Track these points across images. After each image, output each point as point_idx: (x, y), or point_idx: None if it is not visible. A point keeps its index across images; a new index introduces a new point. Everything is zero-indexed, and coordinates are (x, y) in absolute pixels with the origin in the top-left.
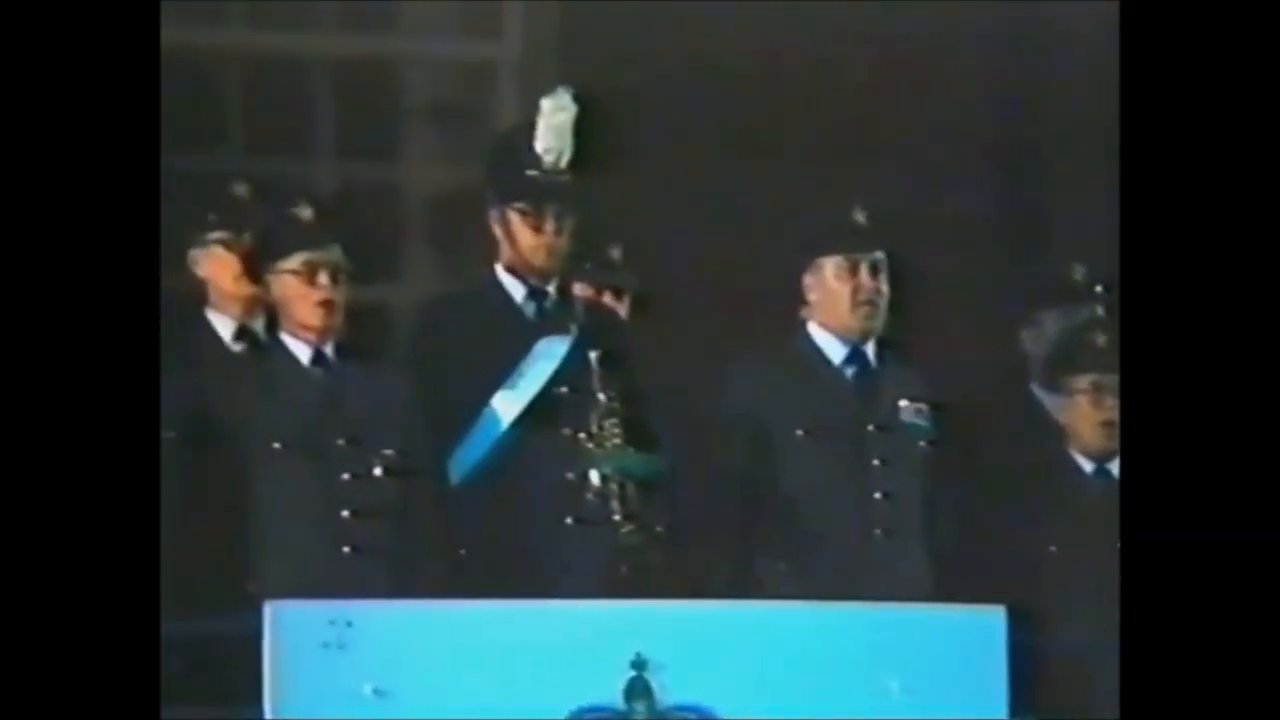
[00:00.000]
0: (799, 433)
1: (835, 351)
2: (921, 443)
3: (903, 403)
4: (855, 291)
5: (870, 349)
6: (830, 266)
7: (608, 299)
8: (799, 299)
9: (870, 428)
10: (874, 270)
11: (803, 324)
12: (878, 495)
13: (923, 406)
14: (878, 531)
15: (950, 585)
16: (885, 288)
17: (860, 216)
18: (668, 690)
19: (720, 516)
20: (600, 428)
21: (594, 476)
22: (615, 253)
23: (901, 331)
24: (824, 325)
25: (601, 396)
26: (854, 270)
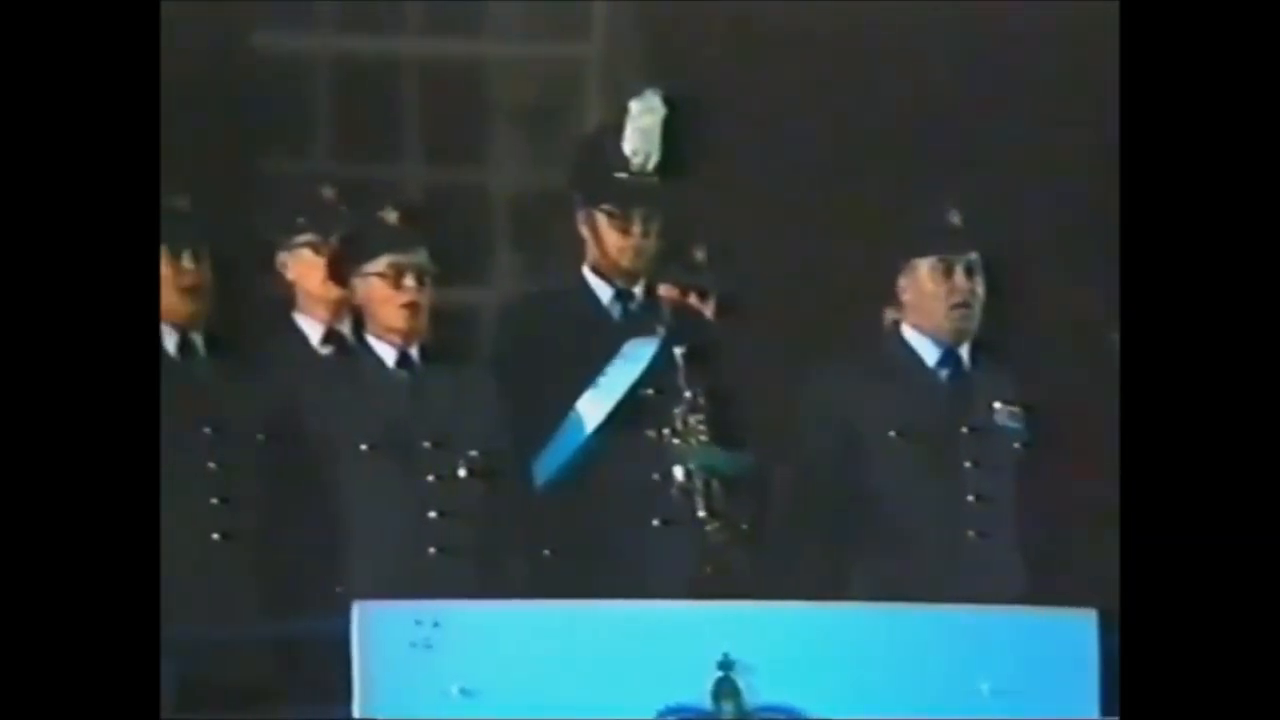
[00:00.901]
0: (891, 434)
1: (929, 353)
2: (1015, 445)
3: (996, 405)
4: (950, 293)
5: (964, 351)
6: (925, 268)
7: (693, 300)
8: (892, 300)
9: (963, 430)
10: (969, 272)
11: (896, 326)
12: (970, 498)
13: (1016, 409)
14: (970, 533)
15: (1042, 588)
16: (980, 289)
17: (955, 218)
18: (756, 691)
19: (808, 516)
20: (685, 424)
21: (679, 473)
22: (699, 254)
23: (996, 333)
24: (917, 327)
25: (687, 393)
26: (949, 272)
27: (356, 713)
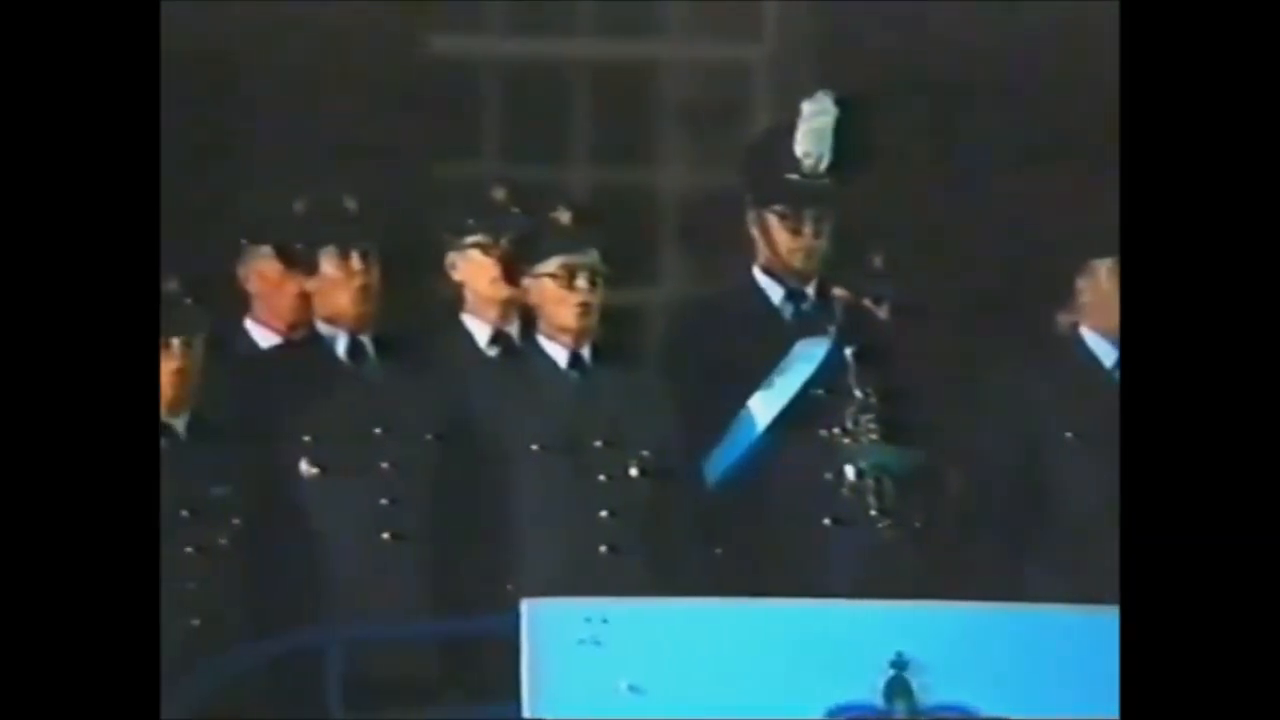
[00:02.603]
0: (1068, 435)
1: (1107, 355)
2: None
3: None
4: None
5: None
6: (1104, 270)
7: (867, 304)
8: (1070, 302)
9: None
10: None
11: (1074, 328)
12: None
13: None
14: None
15: None
16: None
17: None
18: (929, 690)
19: (982, 516)
20: (856, 424)
21: (850, 472)
22: (877, 260)
23: None
24: (1095, 328)
25: (858, 393)
26: None
27: (525, 710)
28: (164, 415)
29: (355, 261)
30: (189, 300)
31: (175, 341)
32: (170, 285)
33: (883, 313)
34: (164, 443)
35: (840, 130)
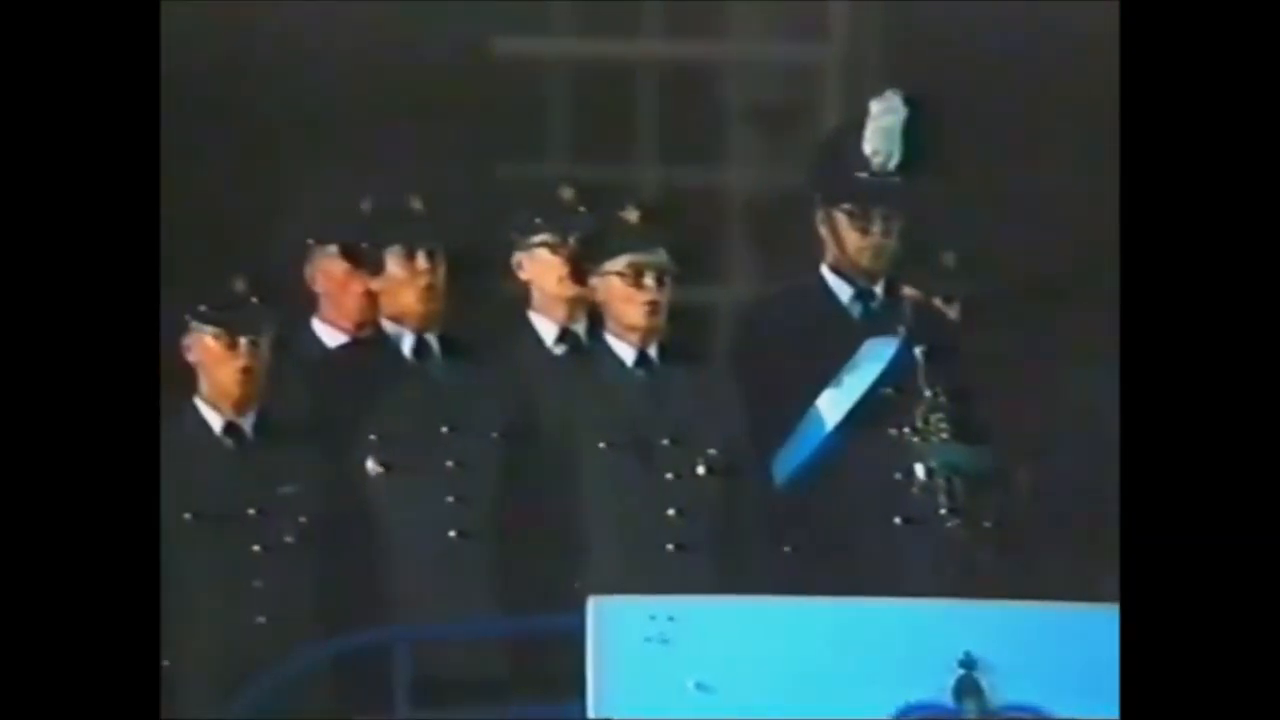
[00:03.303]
0: None
1: None
2: None
3: None
4: None
5: None
6: None
7: (938, 303)
8: None
9: None
10: None
11: None
12: None
13: None
14: None
15: None
16: None
17: None
18: (998, 690)
19: (1053, 515)
20: (926, 422)
21: (920, 471)
22: (949, 259)
23: None
24: None
25: (928, 392)
26: None
27: (591, 706)
28: (231, 414)
29: (421, 261)
30: (256, 300)
31: (242, 341)
32: (238, 285)
33: (953, 312)
34: (231, 442)
35: (909, 129)
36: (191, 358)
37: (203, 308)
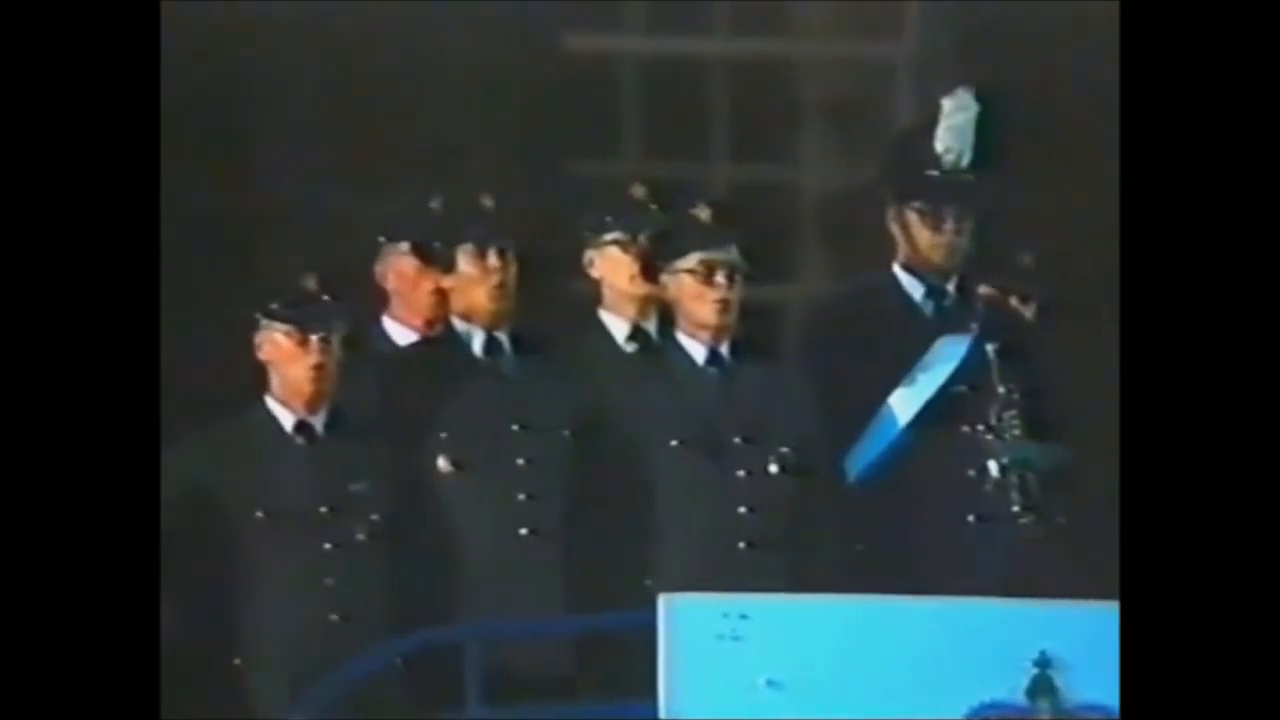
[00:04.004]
0: None
1: None
2: None
3: None
4: None
5: None
6: None
7: (1014, 302)
8: None
9: None
10: None
11: None
12: None
13: None
14: None
15: None
16: None
17: None
18: (1073, 689)
19: None
20: (1000, 419)
21: (993, 468)
22: (1027, 259)
23: None
24: None
25: (1001, 389)
26: None
27: (663, 704)
28: (303, 413)
29: (492, 259)
30: (327, 297)
31: (313, 339)
32: (309, 283)
33: (1029, 312)
34: (301, 439)
35: (981, 126)
36: (263, 356)
37: (274, 305)
